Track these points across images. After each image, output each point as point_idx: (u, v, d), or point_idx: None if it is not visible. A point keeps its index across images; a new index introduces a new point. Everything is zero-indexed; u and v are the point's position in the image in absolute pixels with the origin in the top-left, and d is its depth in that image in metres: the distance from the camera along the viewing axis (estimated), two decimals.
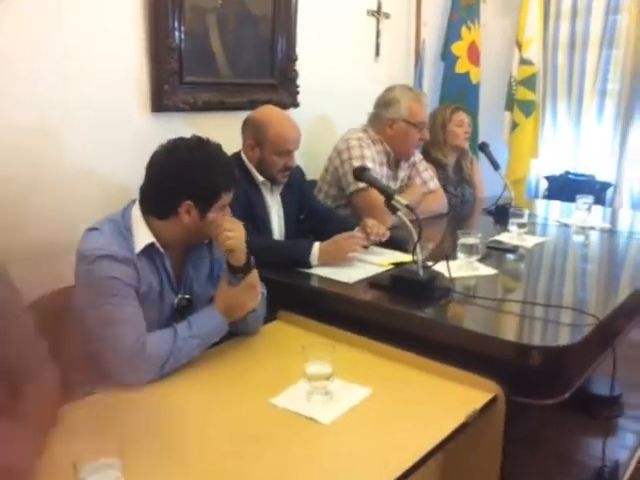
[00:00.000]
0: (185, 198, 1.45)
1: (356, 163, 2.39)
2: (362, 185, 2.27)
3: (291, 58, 2.70)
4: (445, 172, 3.01)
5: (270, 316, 1.72)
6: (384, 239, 2.05)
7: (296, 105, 2.76)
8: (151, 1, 2.15)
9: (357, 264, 1.97)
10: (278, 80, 2.68)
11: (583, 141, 3.90)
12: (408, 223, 1.75)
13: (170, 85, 2.24)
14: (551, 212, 3.06)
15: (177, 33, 2.23)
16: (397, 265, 1.93)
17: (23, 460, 1.00)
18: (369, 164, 2.42)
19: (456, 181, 3.07)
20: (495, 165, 2.86)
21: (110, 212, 1.53)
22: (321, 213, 2.33)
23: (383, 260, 1.99)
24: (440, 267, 1.83)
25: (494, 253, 2.15)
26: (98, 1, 2.01)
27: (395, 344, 1.53)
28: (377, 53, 3.30)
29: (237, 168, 1.63)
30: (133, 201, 1.53)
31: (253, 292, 1.54)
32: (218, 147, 1.53)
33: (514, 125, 3.82)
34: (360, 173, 1.99)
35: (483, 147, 2.93)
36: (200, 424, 1.25)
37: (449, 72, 3.64)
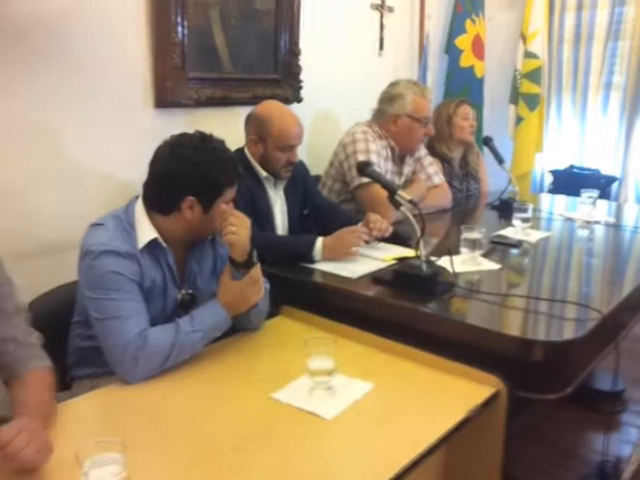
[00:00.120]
0: (188, 194, 1.45)
1: (361, 157, 2.38)
2: (365, 180, 2.26)
3: (294, 53, 2.70)
4: (451, 166, 3.00)
5: (273, 311, 1.73)
6: (387, 234, 2.05)
7: (299, 100, 2.76)
8: None
9: (360, 259, 1.97)
10: (281, 75, 2.68)
11: (588, 135, 3.86)
12: (411, 218, 1.74)
13: (173, 81, 2.24)
14: (556, 206, 3.04)
15: (180, 28, 2.23)
16: (400, 260, 1.93)
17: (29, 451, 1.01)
18: (374, 158, 2.41)
19: (462, 176, 3.05)
20: (499, 159, 2.84)
21: (114, 208, 1.54)
22: (325, 208, 2.33)
23: (386, 255, 1.99)
24: (444, 262, 1.84)
25: (498, 248, 2.15)
26: None
27: (398, 339, 1.53)
28: (381, 47, 3.29)
29: (240, 164, 1.63)
30: (137, 197, 1.54)
31: (256, 286, 1.54)
32: (221, 143, 1.52)
33: (519, 119, 3.80)
34: (363, 168, 1.98)
35: (487, 141, 2.91)
36: (203, 418, 1.26)
37: (453, 66, 3.63)
